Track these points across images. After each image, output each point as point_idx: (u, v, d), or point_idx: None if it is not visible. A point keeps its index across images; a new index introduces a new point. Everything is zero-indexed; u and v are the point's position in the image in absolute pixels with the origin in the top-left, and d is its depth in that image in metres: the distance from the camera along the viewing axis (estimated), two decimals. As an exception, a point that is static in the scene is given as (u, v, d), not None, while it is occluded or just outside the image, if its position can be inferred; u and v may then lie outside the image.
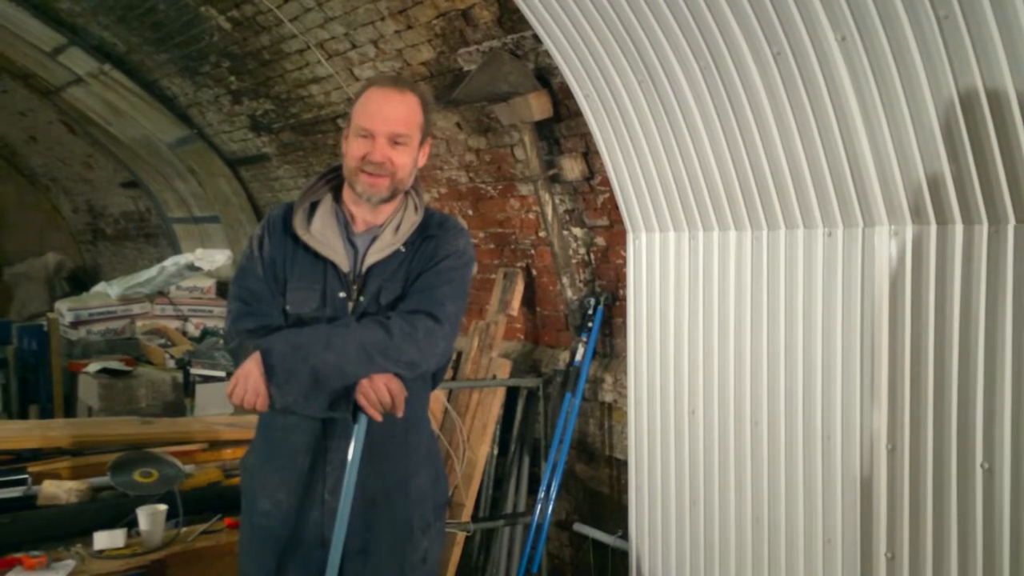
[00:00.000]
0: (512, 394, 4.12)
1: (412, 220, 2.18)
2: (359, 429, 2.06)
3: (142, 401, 5.18)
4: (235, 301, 2.18)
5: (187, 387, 5.19)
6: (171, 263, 6.78)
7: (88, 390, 5.34)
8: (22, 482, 3.00)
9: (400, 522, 2.18)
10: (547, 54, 3.33)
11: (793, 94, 2.52)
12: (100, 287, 6.92)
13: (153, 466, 3.12)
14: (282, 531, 2.15)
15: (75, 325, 6.29)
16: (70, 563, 2.62)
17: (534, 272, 4.29)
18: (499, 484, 4.10)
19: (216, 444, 3.61)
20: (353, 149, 2.10)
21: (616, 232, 3.68)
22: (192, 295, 6.70)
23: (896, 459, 2.49)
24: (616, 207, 3.39)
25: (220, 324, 6.31)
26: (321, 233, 2.14)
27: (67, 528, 2.85)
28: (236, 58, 5.19)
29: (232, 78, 5.49)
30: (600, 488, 3.93)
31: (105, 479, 3.07)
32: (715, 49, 2.64)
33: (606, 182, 3.51)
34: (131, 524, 2.82)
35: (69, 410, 5.80)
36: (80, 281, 10.15)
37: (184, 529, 2.88)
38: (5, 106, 8.60)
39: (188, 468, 3.28)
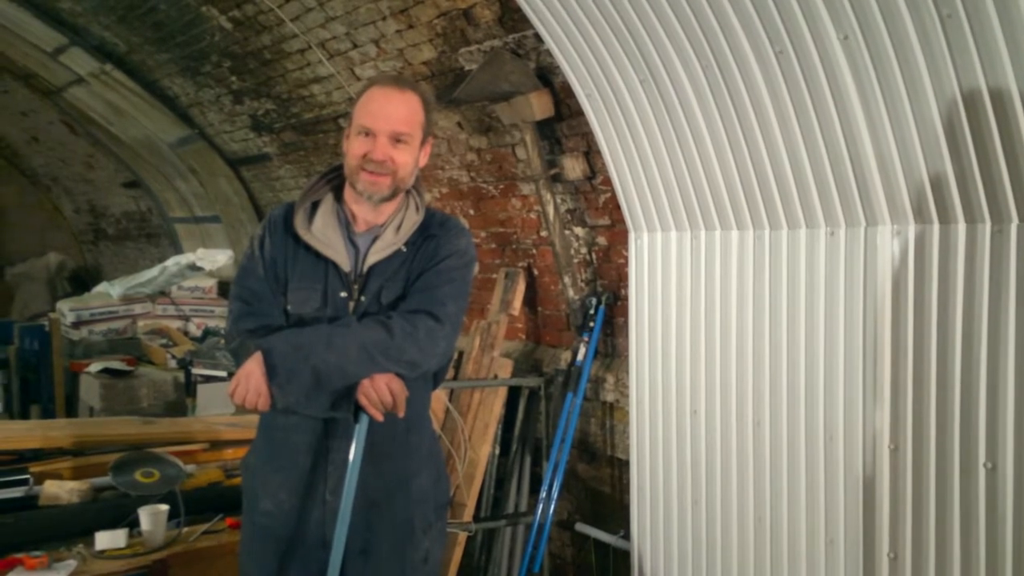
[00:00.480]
0: (514, 394, 4.12)
1: (413, 220, 2.18)
2: (360, 429, 2.06)
3: (143, 401, 5.18)
4: (236, 301, 2.18)
5: (188, 387, 5.19)
6: (172, 263, 6.77)
7: (89, 390, 5.34)
8: (24, 482, 3.00)
9: (401, 522, 2.18)
10: (548, 53, 3.33)
11: (795, 93, 2.51)
12: (101, 287, 6.91)
13: (154, 466, 3.12)
14: (283, 531, 2.15)
15: (76, 325, 6.29)
16: (71, 563, 2.62)
17: (536, 272, 4.28)
18: (501, 484, 4.10)
19: (217, 444, 3.61)
20: (354, 148, 2.10)
21: (618, 231, 3.68)
22: (193, 295, 6.69)
23: (899, 459, 2.49)
24: (618, 206, 3.39)
25: (221, 324, 6.29)
26: (322, 233, 2.14)
27: (68, 528, 2.84)
28: (237, 58, 5.19)
29: (233, 78, 5.49)
30: (602, 488, 3.92)
31: (107, 479, 3.08)
32: (717, 48, 2.63)
33: (608, 181, 3.50)
34: (132, 524, 2.82)
35: (70, 410, 5.79)
36: (81, 281, 10.15)
37: (186, 529, 2.88)
38: (6, 106, 8.60)
39: (189, 468, 3.29)
